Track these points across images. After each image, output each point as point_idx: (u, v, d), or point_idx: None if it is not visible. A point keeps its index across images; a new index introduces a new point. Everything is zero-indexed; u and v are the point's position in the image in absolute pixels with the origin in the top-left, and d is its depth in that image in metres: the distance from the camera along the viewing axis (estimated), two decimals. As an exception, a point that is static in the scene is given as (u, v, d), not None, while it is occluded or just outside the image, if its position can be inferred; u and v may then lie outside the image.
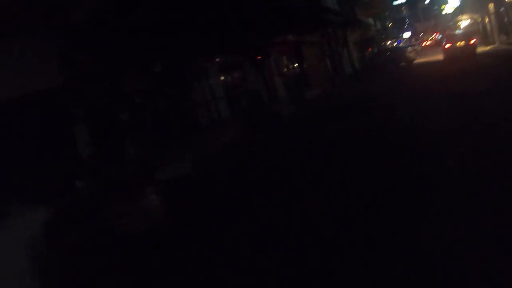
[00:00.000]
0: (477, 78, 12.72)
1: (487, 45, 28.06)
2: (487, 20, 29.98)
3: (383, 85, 18.45)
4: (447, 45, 22.77)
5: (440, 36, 39.49)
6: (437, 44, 39.22)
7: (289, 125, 12.69)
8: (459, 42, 22.02)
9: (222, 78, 16.61)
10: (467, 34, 24.02)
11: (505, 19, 24.78)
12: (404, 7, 73.07)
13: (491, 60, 17.96)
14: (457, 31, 27.35)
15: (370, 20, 38.03)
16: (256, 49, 17.65)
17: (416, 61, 28.72)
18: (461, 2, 34.40)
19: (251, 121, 12.95)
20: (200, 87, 15.58)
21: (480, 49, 24.55)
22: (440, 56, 24.59)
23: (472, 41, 22.20)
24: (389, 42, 50.20)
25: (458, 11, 34.69)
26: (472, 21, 34.76)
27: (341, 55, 25.41)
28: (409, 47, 30.84)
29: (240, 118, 13.51)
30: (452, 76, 15.31)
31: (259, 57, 18.04)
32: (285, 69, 20.34)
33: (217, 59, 16.65)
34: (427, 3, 76.02)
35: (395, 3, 67.97)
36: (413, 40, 56.03)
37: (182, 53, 14.56)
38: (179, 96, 15.08)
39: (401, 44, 48.35)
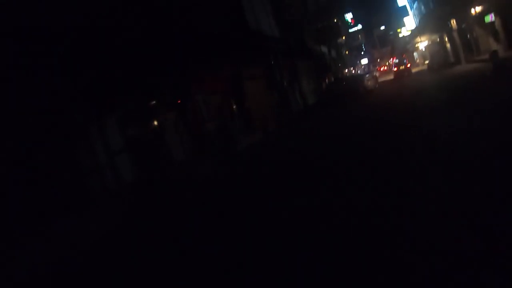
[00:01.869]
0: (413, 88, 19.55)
1: (450, 66, 25.10)
2: (446, 38, 27.47)
3: (334, 124, 14.68)
4: (395, 69, 36.94)
5: (397, 60, 40.67)
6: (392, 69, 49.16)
7: (190, 207, 7.41)
8: (401, 67, 35.34)
9: (126, 131, 12.49)
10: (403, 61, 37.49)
11: (468, 36, 21.98)
12: (360, 34, 72.08)
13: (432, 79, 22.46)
14: (415, 55, 42.12)
15: (323, 49, 35.23)
16: (172, 88, 13.73)
17: (375, 90, 25.23)
18: (419, 23, 32.19)
19: (142, 198, 8.80)
20: (91, 146, 11.43)
21: (442, 72, 22.62)
22: (391, 76, 38.20)
23: (408, 65, 35.48)
24: (347, 70, 47.67)
25: (416, 32, 32.50)
26: (430, 42, 32.50)
27: (288, 89, 21.81)
28: (367, 75, 27.21)
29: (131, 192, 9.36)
30: (400, 88, 22.72)
31: (178, 100, 14.08)
32: (219, 111, 16.42)
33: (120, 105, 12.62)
34: (382, 29, 75.77)
35: (351, 30, 66.78)
36: (371, 66, 54.38)
37: (56, 101, 10.38)
38: (57, 162, 10.87)
39: (359, 71, 46.34)
